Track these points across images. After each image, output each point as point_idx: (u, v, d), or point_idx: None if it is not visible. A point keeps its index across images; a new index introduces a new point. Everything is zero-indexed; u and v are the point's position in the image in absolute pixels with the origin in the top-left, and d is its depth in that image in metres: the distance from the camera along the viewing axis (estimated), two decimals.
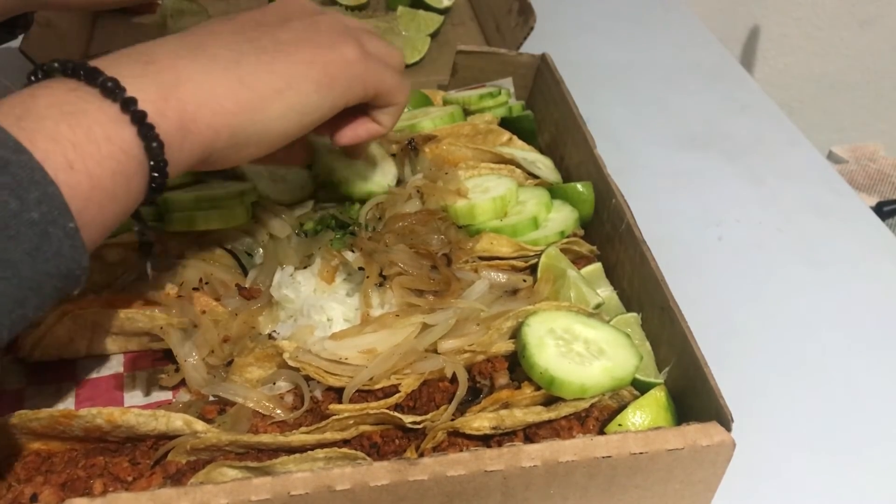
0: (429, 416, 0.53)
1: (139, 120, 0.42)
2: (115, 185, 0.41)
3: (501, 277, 0.63)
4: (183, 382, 0.57)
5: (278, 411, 0.54)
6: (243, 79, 0.47)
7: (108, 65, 0.43)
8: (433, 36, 1.01)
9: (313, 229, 0.66)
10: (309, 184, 0.69)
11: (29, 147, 0.37)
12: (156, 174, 0.43)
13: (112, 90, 0.41)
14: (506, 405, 0.54)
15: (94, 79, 0.41)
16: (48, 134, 0.38)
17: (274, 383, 0.56)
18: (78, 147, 0.39)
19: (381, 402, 0.53)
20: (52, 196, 0.37)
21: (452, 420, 0.52)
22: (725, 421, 0.49)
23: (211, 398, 0.56)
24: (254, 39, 0.49)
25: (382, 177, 0.69)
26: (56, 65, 0.42)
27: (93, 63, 0.43)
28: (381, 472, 0.45)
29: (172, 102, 0.43)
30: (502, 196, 0.68)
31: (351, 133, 0.57)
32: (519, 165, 0.75)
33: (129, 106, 0.42)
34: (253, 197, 0.65)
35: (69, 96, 0.41)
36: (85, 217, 0.39)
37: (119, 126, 0.41)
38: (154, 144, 0.42)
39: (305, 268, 0.61)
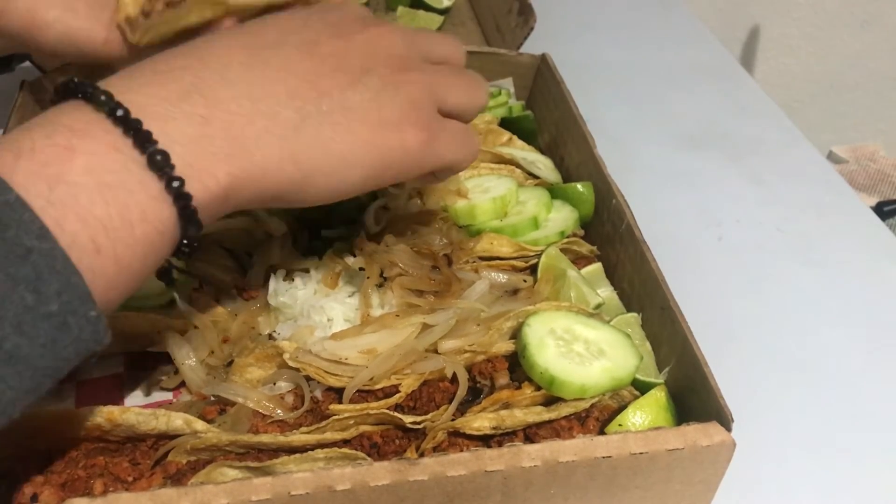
0: (429, 416, 0.53)
1: (183, 204, 0.38)
2: (143, 266, 0.38)
3: (502, 277, 0.63)
4: (184, 384, 0.57)
5: (279, 411, 0.54)
6: (296, 156, 0.42)
7: (161, 114, 0.38)
8: None
9: None
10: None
11: (56, 230, 0.34)
12: (186, 250, 0.40)
13: (161, 166, 0.37)
14: (506, 405, 0.54)
15: (144, 146, 0.37)
16: (80, 213, 0.35)
17: (274, 383, 0.56)
18: (109, 229, 0.36)
19: (382, 402, 0.53)
20: (75, 286, 0.34)
21: (453, 420, 0.52)
22: (725, 421, 0.49)
23: (211, 398, 0.56)
24: (322, 96, 0.44)
25: None
26: (103, 98, 0.37)
27: (142, 96, 0.38)
28: (381, 472, 0.45)
29: (221, 178, 0.39)
30: (502, 196, 0.68)
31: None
32: (519, 165, 0.75)
33: (175, 187, 0.37)
34: None
35: (110, 160, 0.36)
36: (107, 297, 0.37)
37: (158, 204, 0.37)
38: (192, 227, 0.39)
39: (307, 271, 0.61)
